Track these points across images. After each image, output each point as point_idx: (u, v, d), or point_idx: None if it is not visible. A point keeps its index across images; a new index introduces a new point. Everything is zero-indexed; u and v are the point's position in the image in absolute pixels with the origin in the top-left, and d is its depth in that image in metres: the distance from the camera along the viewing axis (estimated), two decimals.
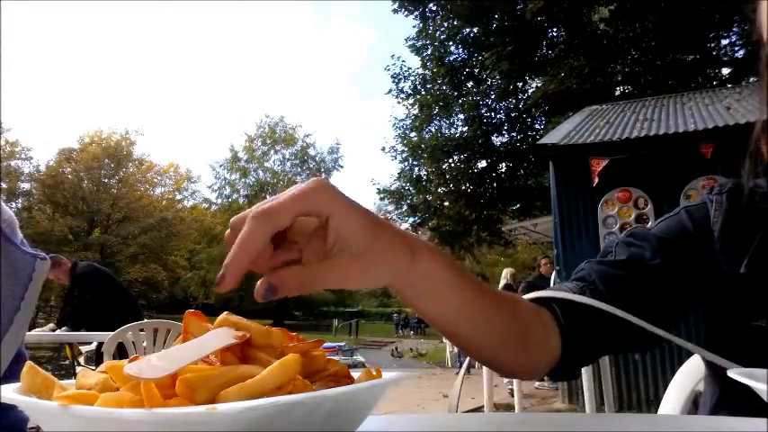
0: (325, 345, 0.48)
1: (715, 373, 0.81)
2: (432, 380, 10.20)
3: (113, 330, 3.36)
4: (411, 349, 19.77)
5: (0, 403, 0.35)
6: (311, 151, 41.76)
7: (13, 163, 28.96)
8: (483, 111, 16.11)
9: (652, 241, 0.77)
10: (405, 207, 17.99)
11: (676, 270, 0.75)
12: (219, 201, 40.04)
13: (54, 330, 4.78)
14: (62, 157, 31.95)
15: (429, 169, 16.70)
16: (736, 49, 13.43)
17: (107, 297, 4.85)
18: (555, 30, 14.86)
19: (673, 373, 1.20)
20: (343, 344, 16.69)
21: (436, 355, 17.78)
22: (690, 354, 0.87)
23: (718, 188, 0.81)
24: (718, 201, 0.79)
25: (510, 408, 6.26)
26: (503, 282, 8.91)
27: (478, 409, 6.14)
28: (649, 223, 6.25)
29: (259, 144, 41.17)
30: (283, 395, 0.34)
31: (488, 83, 16.23)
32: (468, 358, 0.66)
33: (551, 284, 7.03)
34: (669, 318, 0.74)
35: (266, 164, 41.09)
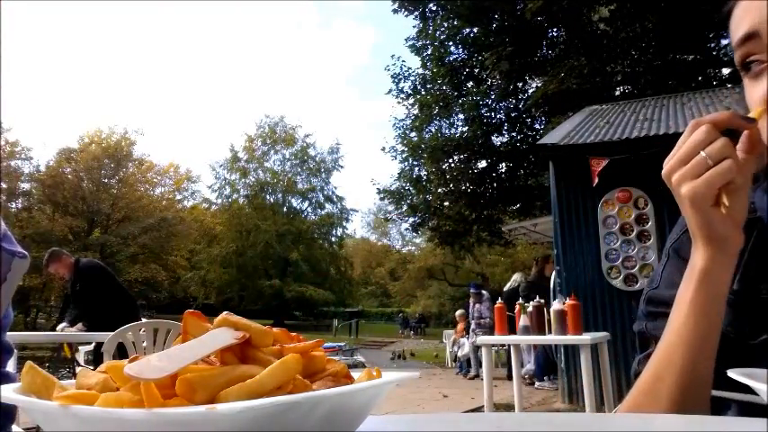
0: (326, 345, 0.48)
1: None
2: (432, 380, 10.19)
3: (113, 330, 3.35)
4: (405, 350, 19.84)
5: None
6: (311, 151, 41.81)
7: (13, 163, 28.91)
8: (483, 111, 16.09)
9: (669, 302, 0.77)
10: (405, 207, 17.99)
11: None
12: (219, 201, 40.09)
13: (63, 330, 4.76)
14: (62, 157, 31.92)
15: (429, 169, 16.68)
16: None
17: (107, 294, 4.86)
18: (555, 30, 14.86)
19: None
20: (343, 344, 16.67)
21: (432, 354, 17.77)
22: None
23: None
24: None
25: (510, 408, 6.25)
26: (512, 285, 8.99)
27: (478, 409, 6.15)
28: (649, 223, 6.28)
29: (259, 144, 41.19)
30: (283, 395, 0.34)
31: (488, 83, 16.22)
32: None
33: (551, 284, 7.07)
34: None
35: (266, 164, 41.12)
